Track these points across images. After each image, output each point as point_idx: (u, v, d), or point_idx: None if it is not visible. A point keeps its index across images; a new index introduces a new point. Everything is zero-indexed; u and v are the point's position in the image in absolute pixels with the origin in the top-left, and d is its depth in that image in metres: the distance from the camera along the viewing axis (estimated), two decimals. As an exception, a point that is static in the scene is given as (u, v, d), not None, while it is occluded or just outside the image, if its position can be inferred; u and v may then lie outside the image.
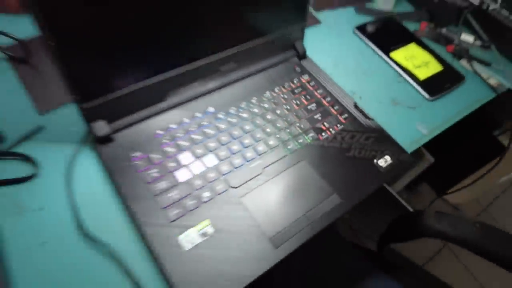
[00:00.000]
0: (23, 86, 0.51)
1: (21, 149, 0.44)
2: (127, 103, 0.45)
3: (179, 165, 0.44)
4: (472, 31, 0.71)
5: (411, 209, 0.86)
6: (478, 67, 0.65)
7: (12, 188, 0.42)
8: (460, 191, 1.04)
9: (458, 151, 1.06)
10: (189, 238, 0.39)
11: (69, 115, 0.48)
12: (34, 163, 0.44)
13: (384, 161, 0.48)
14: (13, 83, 0.51)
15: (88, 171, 0.44)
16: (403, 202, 0.83)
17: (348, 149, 0.49)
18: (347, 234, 1.00)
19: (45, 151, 0.45)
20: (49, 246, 0.38)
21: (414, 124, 0.55)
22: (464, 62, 0.65)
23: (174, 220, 0.40)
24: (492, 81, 0.63)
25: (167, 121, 0.47)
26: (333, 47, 0.64)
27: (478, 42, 0.70)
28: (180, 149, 0.45)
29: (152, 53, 0.43)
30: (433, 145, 0.95)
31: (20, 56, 0.53)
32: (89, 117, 0.42)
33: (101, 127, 0.43)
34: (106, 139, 0.44)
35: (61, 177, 0.43)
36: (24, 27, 0.53)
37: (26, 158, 0.44)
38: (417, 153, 0.97)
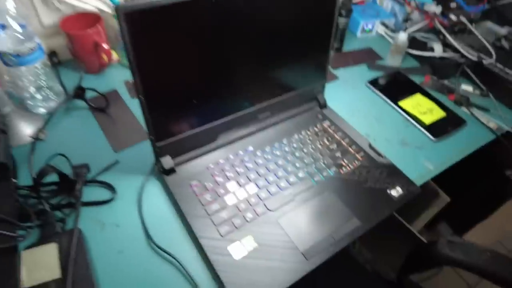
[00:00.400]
0: (102, 130, 0.64)
1: (102, 178, 0.57)
2: (188, 143, 0.57)
3: (227, 192, 0.54)
4: (471, 81, 0.82)
5: (424, 240, 0.91)
6: (477, 112, 0.75)
7: (96, 208, 0.53)
8: (478, 230, 1.08)
9: (473, 191, 1.11)
10: (237, 249, 0.48)
11: (137, 153, 0.61)
12: (113, 189, 0.55)
13: (396, 192, 0.57)
14: (94, 127, 0.65)
15: (155, 195, 0.55)
16: (418, 235, 0.88)
17: (365, 181, 0.58)
18: (368, 267, 1.04)
19: (120, 180, 0.57)
20: (124, 254, 0.48)
21: (421, 161, 0.64)
22: (465, 109, 0.75)
23: (225, 235, 0.49)
24: (492, 124, 0.73)
25: (217, 157, 0.59)
26: (349, 98, 0.76)
27: (477, 91, 0.80)
28: (227, 179, 0.56)
29: (209, 107, 0.56)
30: (449, 185, 1.02)
31: (100, 106, 0.67)
32: (160, 153, 0.55)
33: (168, 161, 0.55)
34: (170, 171, 0.56)
35: (133, 200, 0.54)
36: (102, 84, 0.68)
37: (106, 185, 0.56)
38: (433, 192, 1.03)
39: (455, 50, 0.86)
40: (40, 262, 0.44)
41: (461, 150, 0.67)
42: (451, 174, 1.05)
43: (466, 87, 0.80)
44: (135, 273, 0.47)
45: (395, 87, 0.79)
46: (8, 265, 0.40)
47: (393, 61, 0.86)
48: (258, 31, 0.53)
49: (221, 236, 0.49)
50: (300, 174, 0.58)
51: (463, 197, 1.05)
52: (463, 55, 0.84)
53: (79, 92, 0.65)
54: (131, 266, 0.47)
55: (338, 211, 0.54)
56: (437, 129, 0.69)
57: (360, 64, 0.86)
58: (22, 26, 0.58)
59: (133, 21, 0.42)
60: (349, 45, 0.92)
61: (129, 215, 0.53)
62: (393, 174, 0.60)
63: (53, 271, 0.44)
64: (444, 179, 1.05)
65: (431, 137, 0.68)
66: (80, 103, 0.68)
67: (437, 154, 0.66)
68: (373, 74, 0.83)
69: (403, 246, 0.88)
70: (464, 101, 0.76)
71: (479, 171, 1.04)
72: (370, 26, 0.94)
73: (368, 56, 0.89)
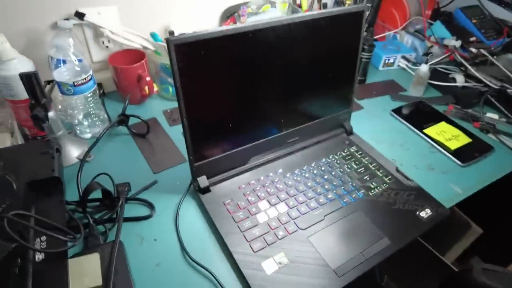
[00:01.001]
0: (142, 154, 0.69)
1: (142, 196, 0.61)
2: (222, 164, 0.61)
3: (259, 210, 0.57)
4: (496, 109, 0.83)
5: (455, 269, 0.87)
6: (505, 139, 0.75)
7: (136, 223, 0.57)
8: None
9: (508, 222, 1.07)
10: (269, 265, 0.50)
11: (175, 174, 0.65)
12: (151, 206, 0.59)
13: (425, 213, 0.57)
14: (135, 151, 0.70)
15: (190, 213, 0.58)
16: (450, 264, 0.85)
17: (393, 203, 0.59)
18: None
19: (159, 198, 0.60)
20: (162, 267, 0.51)
21: (448, 186, 0.65)
22: (492, 135, 0.76)
23: (257, 251, 0.51)
24: (521, 151, 0.73)
25: (248, 178, 0.62)
26: (374, 127, 0.79)
27: (504, 119, 0.81)
28: (259, 198, 0.59)
29: (242, 132, 0.60)
30: (481, 216, 0.99)
31: (140, 132, 0.73)
32: (196, 173, 0.58)
33: (203, 181, 0.59)
34: (206, 190, 0.59)
35: (170, 217, 0.57)
36: (143, 113, 0.74)
37: (146, 203, 0.59)
38: (464, 224, 1.00)
39: (477, 80, 0.89)
40: (84, 270, 0.47)
41: (490, 175, 0.67)
42: (483, 205, 1.03)
43: (492, 115, 0.81)
44: (171, 285, 0.49)
45: (419, 115, 0.81)
46: (61, 269, 0.43)
47: (415, 91, 0.89)
48: (289, 64, 0.59)
49: (254, 251, 0.51)
50: (330, 195, 0.60)
51: (497, 229, 1.01)
52: (485, 85, 0.86)
53: (123, 119, 0.71)
54: (167, 278, 0.49)
55: (368, 231, 0.55)
56: (464, 155, 0.70)
57: (383, 95, 0.89)
58: (79, 60, 0.66)
59: (181, 52, 0.48)
60: (372, 78, 0.96)
61: (166, 231, 0.55)
62: (421, 196, 0.61)
63: (95, 279, 0.46)
64: (476, 210, 1.03)
65: (458, 162, 0.69)
66: (122, 129, 0.75)
67: (465, 178, 0.66)
68: (396, 105, 0.86)
69: (434, 277, 0.85)
70: (490, 128, 0.77)
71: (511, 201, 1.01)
72: (391, 60, 0.98)
73: (390, 88, 0.92)
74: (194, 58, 0.49)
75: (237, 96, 0.57)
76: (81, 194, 0.57)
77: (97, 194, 0.57)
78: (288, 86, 0.61)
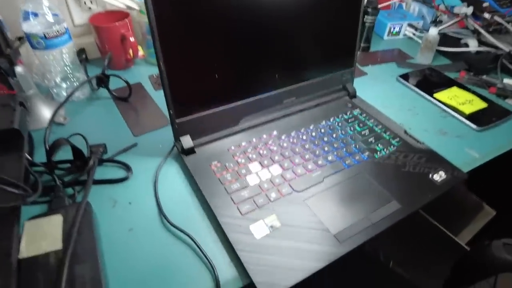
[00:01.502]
0: (123, 118, 0.63)
1: (120, 158, 0.54)
2: (209, 123, 0.54)
3: (249, 172, 0.50)
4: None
5: (467, 248, 0.80)
6: (525, 105, 0.68)
7: (109, 186, 0.50)
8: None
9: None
10: (259, 228, 0.43)
11: (155, 137, 0.58)
12: (128, 168, 0.52)
13: (439, 176, 0.50)
14: (115, 115, 0.64)
15: (172, 176, 0.51)
16: (463, 244, 0.78)
17: (403, 165, 0.52)
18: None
19: (137, 161, 0.53)
20: (135, 232, 0.44)
21: (463, 150, 0.57)
22: (509, 100, 0.69)
23: (245, 213, 0.44)
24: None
25: (238, 140, 0.55)
26: (379, 92, 0.72)
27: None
28: (249, 160, 0.52)
29: (232, 85, 0.53)
30: (495, 198, 0.92)
31: (122, 96, 0.67)
32: (179, 131, 0.52)
33: (187, 141, 0.52)
34: (190, 151, 0.52)
35: (149, 180, 0.51)
36: (127, 78, 0.67)
37: (122, 164, 0.53)
38: (476, 205, 0.93)
39: (491, 47, 0.81)
40: (43, 233, 0.41)
41: (509, 140, 0.60)
42: (496, 186, 0.95)
43: (508, 81, 0.74)
44: (146, 251, 0.42)
45: (428, 81, 0.74)
46: (6, 228, 0.37)
47: (423, 59, 0.82)
48: (283, 11, 0.52)
49: (241, 214, 0.44)
50: (330, 158, 0.53)
51: (511, 211, 0.94)
52: (501, 50, 0.79)
53: (102, 77, 0.64)
54: (141, 243, 0.43)
55: (374, 194, 0.48)
56: (480, 119, 0.63)
57: (389, 63, 0.82)
58: (55, 15, 0.59)
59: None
60: (377, 47, 0.89)
61: (143, 194, 0.49)
62: (434, 159, 0.53)
63: (55, 242, 0.40)
64: (488, 191, 0.95)
65: (473, 126, 0.62)
66: (103, 93, 0.68)
67: (482, 144, 0.59)
68: (403, 71, 0.78)
69: (446, 259, 0.77)
70: (508, 93, 0.69)
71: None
72: (397, 28, 0.91)
73: (396, 55, 0.85)
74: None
75: (225, 43, 0.50)
76: (47, 149, 0.50)
77: (69, 155, 0.51)
78: (282, 36, 0.54)
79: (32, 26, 0.58)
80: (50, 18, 0.59)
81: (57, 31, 0.59)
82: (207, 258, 0.40)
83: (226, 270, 0.40)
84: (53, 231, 0.41)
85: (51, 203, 0.46)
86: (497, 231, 0.93)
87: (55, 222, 0.42)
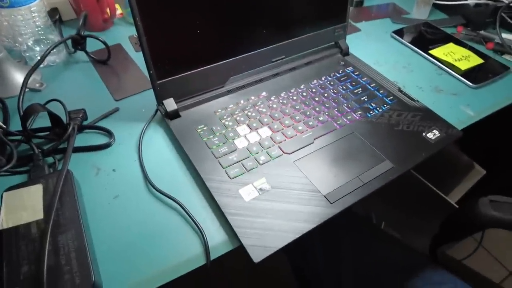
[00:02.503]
0: (103, 81, 0.59)
1: (101, 124, 0.51)
2: (193, 84, 0.51)
3: (237, 135, 0.48)
4: (510, 30, 0.73)
5: (456, 206, 0.81)
6: (522, 61, 0.66)
7: (92, 154, 0.48)
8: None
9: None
10: (248, 191, 0.41)
11: (137, 101, 0.56)
12: (110, 134, 0.50)
13: (432, 134, 0.49)
14: (95, 79, 0.60)
15: (157, 141, 0.49)
16: (447, 199, 0.79)
17: (396, 124, 0.51)
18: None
19: (120, 126, 0.51)
20: (120, 199, 0.42)
21: (459, 108, 0.56)
22: (508, 56, 0.66)
23: (234, 177, 0.43)
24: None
25: (225, 103, 0.53)
26: (372, 50, 0.68)
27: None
28: (237, 123, 0.50)
29: (216, 42, 0.50)
30: (485, 158, 0.92)
31: (101, 59, 0.63)
32: (161, 93, 0.49)
33: (171, 104, 0.49)
34: (174, 115, 0.49)
35: (132, 146, 0.49)
36: (106, 39, 0.62)
37: (104, 130, 0.50)
38: (467, 165, 0.94)
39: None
40: (23, 203, 0.39)
41: (505, 97, 0.59)
42: (486, 145, 0.95)
43: (507, 35, 0.71)
44: (132, 219, 0.40)
45: (423, 37, 0.71)
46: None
47: (419, 14, 0.78)
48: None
49: (230, 178, 0.43)
50: (321, 118, 0.51)
51: (502, 170, 0.95)
52: (500, 1, 0.75)
53: (77, 38, 0.59)
54: (127, 211, 0.41)
55: (366, 153, 0.46)
56: (476, 76, 0.61)
57: (383, 18, 0.78)
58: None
59: None
60: (371, 1, 0.84)
61: (127, 160, 0.47)
62: (429, 117, 0.52)
63: (36, 212, 0.38)
64: (478, 151, 0.95)
65: (469, 83, 0.60)
66: (81, 57, 0.64)
67: (478, 101, 0.57)
68: (398, 27, 0.75)
69: (436, 217, 0.79)
70: (506, 48, 0.67)
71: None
72: (392, -19, 0.86)
73: (391, 10, 0.81)
74: None
75: (206, -5, 0.46)
76: (21, 115, 0.47)
77: (47, 123, 0.48)
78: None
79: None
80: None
81: (23, -14, 0.54)
82: (195, 223, 0.39)
83: (215, 234, 0.39)
84: (33, 201, 0.39)
85: (30, 173, 0.44)
86: (486, 190, 0.94)
87: (35, 192, 0.40)
